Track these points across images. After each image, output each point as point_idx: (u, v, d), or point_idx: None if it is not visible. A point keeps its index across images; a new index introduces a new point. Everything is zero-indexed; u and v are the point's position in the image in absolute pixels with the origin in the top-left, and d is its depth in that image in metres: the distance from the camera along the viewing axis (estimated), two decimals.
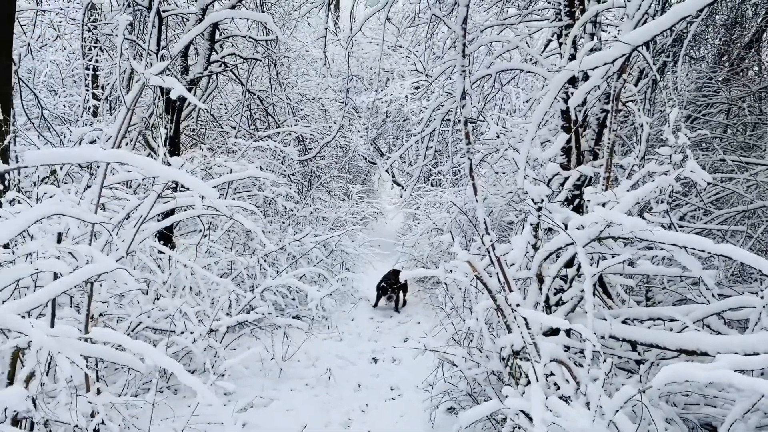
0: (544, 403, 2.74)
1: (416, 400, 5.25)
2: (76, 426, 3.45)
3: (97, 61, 11.07)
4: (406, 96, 15.06)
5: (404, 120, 16.23)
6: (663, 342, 3.15)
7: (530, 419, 2.98)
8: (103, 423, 3.59)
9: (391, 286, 8.72)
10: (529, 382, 3.27)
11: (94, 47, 10.61)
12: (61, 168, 5.97)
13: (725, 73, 6.84)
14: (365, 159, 17.63)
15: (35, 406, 3.19)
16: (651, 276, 4.59)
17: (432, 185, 13.90)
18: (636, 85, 5.50)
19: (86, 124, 8.82)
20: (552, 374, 3.15)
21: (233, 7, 7.93)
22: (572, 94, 4.07)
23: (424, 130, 7.99)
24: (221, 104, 11.87)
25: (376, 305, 8.89)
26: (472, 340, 4.62)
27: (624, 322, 3.68)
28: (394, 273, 8.94)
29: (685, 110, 6.51)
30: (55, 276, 3.23)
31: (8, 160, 4.85)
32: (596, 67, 3.33)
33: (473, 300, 5.14)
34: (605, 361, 2.76)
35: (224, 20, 8.15)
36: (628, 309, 3.78)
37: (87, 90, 10.66)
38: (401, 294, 9.03)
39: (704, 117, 6.77)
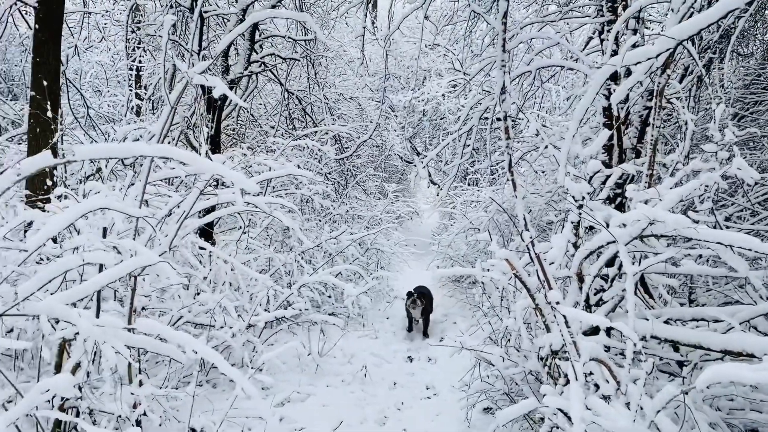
0: (583, 402, 2.70)
1: (452, 400, 5.23)
2: (120, 416, 3.55)
3: (140, 61, 11.34)
4: (443, 94, 15.01)
5: (441, 119, 16.17)
6: (707, 342, 3.06)
7: (569, 419, 2.95)
8: (144, 414, 3.68)
9: (420, 299, 7.53)
10: (567, 382, 3.22)
11: (138, 48, 10.87)
12: (107, 165, 6.14)
13: None
14: (401, 158, 17.63)
15: (81, 394, 3.30)
16: (695, 278, 4.48)
17: (469, 184, 13.82)
18: (680, 82, 5.37)
19: (129, 123, 9.04)
20: (591, 374, 3.11)
21: (273, 7, 8.03)
22: (614, 90, 4.00)
23: (462, 128, 7.95)
24: (261, 104, 12.03)
25: (410, 329, 7.75)
26: (509, 340, 4.58)
27: (666, 322, 3.60)
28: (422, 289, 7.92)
29: (731, 108, 6.33)
30: (101, 269, 3.32)
31: (57, 156, 4.99)
32: (639, 63, 3.26)
33: (511, 299, 5.10)
34: (646, 361, 2.70)
35: (264, 21, 8.24)
36: (671, 309, 3.69)
37: (130, 90, 10.94)
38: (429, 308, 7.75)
39: (752, 115, 6.56)
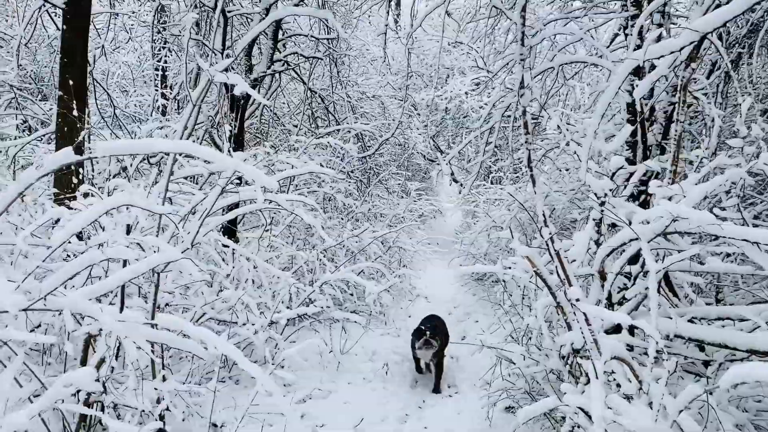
0: (604, 401, 2.67)
1: (473, 398, 5.20)
2: (143, 411, 3.59)
3: (165, 61, 11.49)
4: (466, 92, 14.93)
5: (464, 117, 16.09)
6: (732, 342, 3.00)
7: (589, 417, 2.91)
8: (167, 409, 3.71)
9: (434, 338, 5.54)
10: (589, 381, 3.19)
11: (163, 48, 11.01)
12: (131, 164, 6.22)
13: None
14: (423, 156, 17.60)
15: (105, 389, 3.35)
16: (722, 276, 4.39)
17: (491, 182, 13.74)
18: (708, 78, 5.27)
19: (154, 122, 9.15)
20: (613, 372, 3.07)
21: (296, 5, 8.07)
22: (638, 86, 3.94)
23: (484, 125, 7.90)
24: (284, 103, 12.11)
25: (419, 370, 5.87)
26: (531, 338, 4.55)
27: (691, 321, 3.54)
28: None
29: (761, 104, 6.20)
30: (124, 264, 3.37)
31: (83, 154, 5.07)
32: (662, 56, 3.21)
33: (532, 297, 5.06)
34: (669, 360, 2.66)
35: (287, 20, 8.29)
36: (695, 308, 3.63)
37: (156, 90, 11.09)
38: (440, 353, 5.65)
39: None
